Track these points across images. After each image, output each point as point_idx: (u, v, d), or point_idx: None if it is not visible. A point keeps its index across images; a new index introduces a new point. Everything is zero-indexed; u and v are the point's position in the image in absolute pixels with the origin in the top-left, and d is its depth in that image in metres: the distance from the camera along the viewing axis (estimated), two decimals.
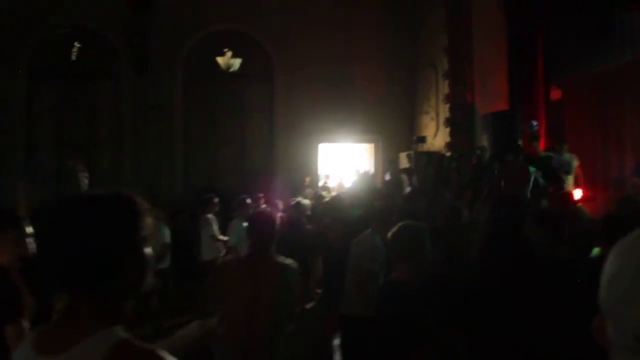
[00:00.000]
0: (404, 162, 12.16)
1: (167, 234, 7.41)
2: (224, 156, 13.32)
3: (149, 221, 1.33)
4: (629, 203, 5.07)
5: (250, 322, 3.13)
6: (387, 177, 11.60)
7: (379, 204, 5.53)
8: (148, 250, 1.32)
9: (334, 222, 6.00)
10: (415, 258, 3.08)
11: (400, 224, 3.18)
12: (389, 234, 3.20)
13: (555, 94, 11.23)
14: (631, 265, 0.73)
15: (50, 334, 1.30)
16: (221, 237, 7.82)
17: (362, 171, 12.58)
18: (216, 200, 8.36)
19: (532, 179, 7.91)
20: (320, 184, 12.41)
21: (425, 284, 3.03)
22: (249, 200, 7.73)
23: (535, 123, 9.33)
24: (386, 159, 13.08)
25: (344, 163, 13.94)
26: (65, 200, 1.34)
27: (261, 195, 10.20)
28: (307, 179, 12.28)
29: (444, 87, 12.03)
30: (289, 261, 3.36)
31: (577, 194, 8.86)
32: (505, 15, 11.32)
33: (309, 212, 8.18)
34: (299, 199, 8.80)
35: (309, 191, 11.49)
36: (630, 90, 10.53)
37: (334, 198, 7.67)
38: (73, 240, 1.25)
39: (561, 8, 10.18)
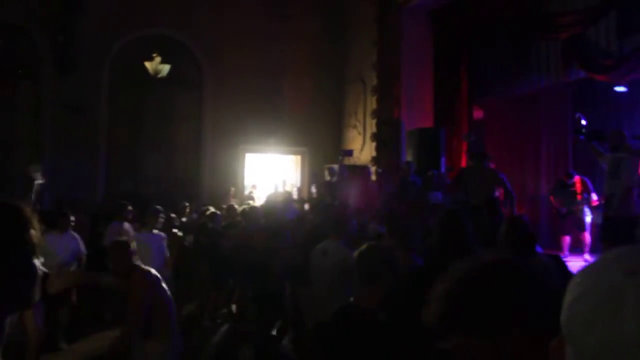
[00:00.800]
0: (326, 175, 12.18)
1: (80, 242, 7.02)
2: (150, 163, 12.93)
3: (34, 232, 1.24)
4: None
5: None
6: (313, 189, 11.58)
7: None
8: (34, 261, 1.23)
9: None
10: (380, 282, 2.83)
11: (367, 244, 3.01)
12: (355, 254, 2.96)
13: (478, 114, 11.68)
14: (600, 291, 0.69)
15: None
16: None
17: (282, 184, 12.59)
18: (130, 208, 8.03)
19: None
20: (246, 193, 12.27)
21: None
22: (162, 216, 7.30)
23: (472, 134, 9.61)
24: (312, 172, 13.10)
25: (270, 174, 13.85)
26: None
27: (187, 204, 9.94)
28: (232, 189, 12.10)
29: (372, 102, 12.23)
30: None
31: None
32: (432, 36, 11.70)
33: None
34: (212, 209, 8.57)
35: (233, 201, 11.31)
36: (545, 114, 11.12)
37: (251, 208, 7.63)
38: None
39: (484, 33, 10.63)
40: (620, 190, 6.16)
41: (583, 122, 6.66)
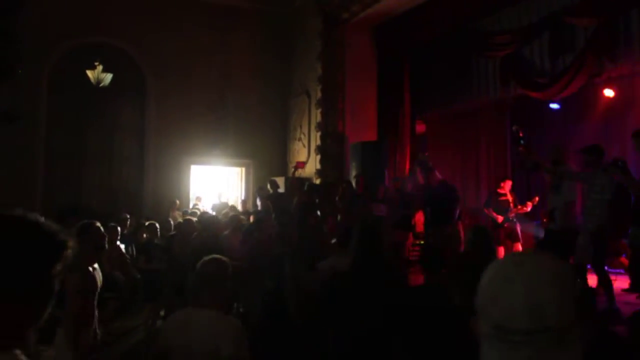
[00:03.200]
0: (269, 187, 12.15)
1: None
2: (91, 173, 12.55)
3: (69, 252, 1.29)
4: (478, 232, 5.40)
5: None
6: (258, 202, 11.53)
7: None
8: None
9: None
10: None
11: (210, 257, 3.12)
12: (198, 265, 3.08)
13: (420, 128, 11.94)
14: (500, 277, 1.02)
15: None
16: None
17: (218, 196, 12.51)
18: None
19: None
20: (191, 205, 12.10)
21: None
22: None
23: (427, 155, 9.81)
24: (257, 184, 13.04)
25: (215, 186, 13.74)
26: None
27: (128, 216, 9.75)
28: (177, 202, 11.91)
29: (317, 115, 12.31)
30: None
31: None
32: (376, 51, 11.92)
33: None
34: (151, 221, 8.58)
35: (177, 213, 11.15)
36: (485, 128, 11.47)
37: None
38: None
39: (426, 49, 10.92)
40: (561, 204, 6.38)
41: (520, 134, 6.89)
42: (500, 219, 9.02)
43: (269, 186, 10.87)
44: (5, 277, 1.20)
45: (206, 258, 3.02)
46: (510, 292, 0.98)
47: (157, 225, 8.48)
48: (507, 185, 9.26)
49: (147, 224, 8.58)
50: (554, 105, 9.83)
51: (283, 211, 9.20)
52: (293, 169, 11.53)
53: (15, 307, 1.22)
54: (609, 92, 9.18)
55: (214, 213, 9.56)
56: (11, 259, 1.21)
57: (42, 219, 1.30)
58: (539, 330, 0.95)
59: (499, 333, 0.97)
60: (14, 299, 1.21)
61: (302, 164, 12.05)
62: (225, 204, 10.99)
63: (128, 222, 9.57)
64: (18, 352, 1.20)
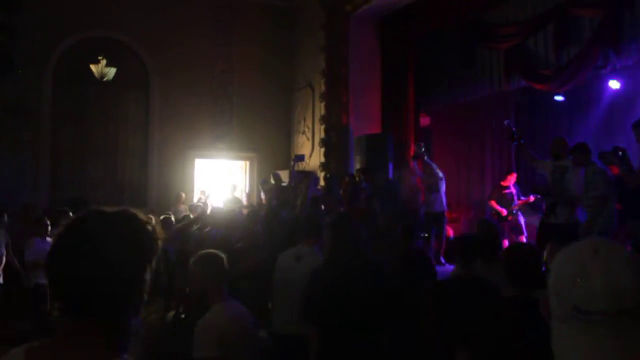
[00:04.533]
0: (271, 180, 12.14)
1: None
2: (95, 167, 12.59)
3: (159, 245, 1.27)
4: (485, 226, 5.41)
5: None
6: (263, 196, 11.53)
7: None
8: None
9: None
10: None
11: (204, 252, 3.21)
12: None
13: (425, 121, 11.90)
14: (577, 262, 1.09)
15: (48, 353, 1.16)
16: None
17: (232, 189, 12.53)
18: (70, 214, 7.83)
19: None
20: (195, 199, 12.13)
21: None
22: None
23: (422, 145, 9.77)
24: (261, 177, 13.05)
25: (220, 179, 13.75)
26: (89, 217, 1.23)
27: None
28: (182, 195, 11.94)
29: (321, 108, 12.30)
30: None
31: None
32: (380, 43, 11.87)
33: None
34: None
35: (182, 207, 11.18)
36: (489, 121, 11.44)
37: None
38: (100, 261, 1.16)
39: (430, 42, 10.86)
40: (563, 198, 6.33)
41: (513, 128, 7.13)
42: (504, 212, 9.02)
43: (271, 179, 10.87)
44: (110, 280, 1.16)
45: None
46: (589, 277, 1.05)
47: (173, 219, 8.60)
48: (512, 179, 9.25)
49: (162, 217, 8.68)
50: (559, 98, 9.79)
51: (286, 204, 9.23)
52: (292, 162, 11.51)
53: (119, 309, 1.19)
54: (614, 84, 9.14)
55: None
56: (114, 260, 1.18)
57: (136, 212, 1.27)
58: (617, 311, 1.03)
59: (578, 314, 1.05)
60: (118, 303, 1.19)
61: (301, 157, 12.01)
62: (239, 200, 10.98)
63: None
64: (126, 357, 1.17)
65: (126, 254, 1.18)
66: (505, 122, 7.53)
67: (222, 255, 3.12)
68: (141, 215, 1.26)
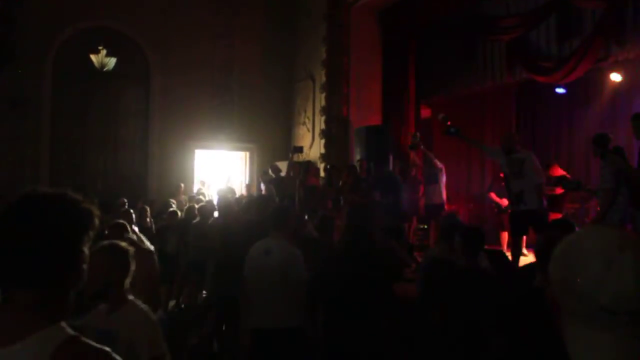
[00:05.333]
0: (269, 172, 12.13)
1: None
2: (96, 158, 12.57)
3: (96, 221, 1.38)
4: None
5: None
6: (262, 186, 11.53)
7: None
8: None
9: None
10: None
11: None
12: None
13: (425, 112, 11.87)
14: (602, 262, 1.01)
15: None
16: None
17: (227, 180, 12.53)
18: None
19: None
20: (195, 190, 12.13)
21: None
22: None
23: (418, 134, 9.76)
24: (261, 169, 13.04)
25: (220, 170, 13.75)
26: (24, 196, 1.34)
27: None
28: (182, 186, 11.93)
29: (321, 100, 12.26)
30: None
31: None
32: (381, 35, 11.82)
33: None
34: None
35: (183, 197, 11.18)
36: (490, 112, 11.41)
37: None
38: (32, 236, 1.25)
39: (432, 33, 10.81)
40: (529, 186, 6.46)
41: (448, 122, 7.69)
42: (504, 203, 9.01)
43: (270, 171, 10.87)
44: (41, 253, 1.25)
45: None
46: (620, 276, 1.00)
47: (179, 212, 8.68)
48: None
49: (170, 210, 8.89)
50: (560, 90, 9.76)
51: (284, 195, 9.24)
52: (291, 154, 11.47)
53: (54, 281, 1.27)
54: (615, 77, 9.11)
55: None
56: (44, 235, 1.27)
57: (67, 192, 1.37)
58: None
59: (604, 315, 1.00)
60: (52, 274, 1.27)
61: (299, 149, 11.97)
62: (232, 190, 10.99)
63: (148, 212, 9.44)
64: (63, 324, 1.24)
65: (56, 229, 1.28)
66: (440, 116, 8.08)
67: (129, 248, 2.87)
68: (74, 195, 1.37)
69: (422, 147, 9.46)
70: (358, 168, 9.61)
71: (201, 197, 10.50)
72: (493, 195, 9.45)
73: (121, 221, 5.09)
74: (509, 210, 8.83)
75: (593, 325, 1.02)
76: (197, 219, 7.67)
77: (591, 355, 1.03)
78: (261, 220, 5.13)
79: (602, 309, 1.00)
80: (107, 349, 1.23)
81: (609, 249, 1.03)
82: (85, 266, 1.33)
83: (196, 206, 8.20)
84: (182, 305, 8.14)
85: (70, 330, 1.23)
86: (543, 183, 6.67)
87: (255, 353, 4.23)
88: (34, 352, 1.17)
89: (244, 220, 5.95)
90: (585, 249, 1.06)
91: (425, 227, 9.93)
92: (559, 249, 1.11)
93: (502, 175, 8.91)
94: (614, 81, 9.23)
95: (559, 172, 9.03)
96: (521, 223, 6.59)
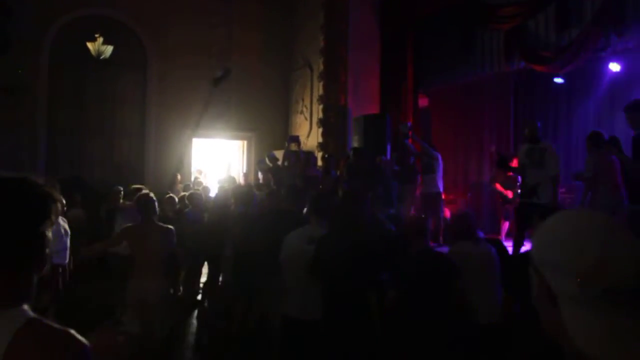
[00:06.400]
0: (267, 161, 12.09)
1: None
2: (92, 146, 12.52)
3: (57, 206, 1.38)
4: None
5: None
6: (260, 175, 11.52)
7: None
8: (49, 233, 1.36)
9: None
10: None
11: None
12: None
13: (423, 102, 11.84)
14: (602, 242, 1.01)
15: None
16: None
17: (227, 168, 12.50)
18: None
19: None
20: (193, 178, 12.10)
21: None
22: None
23: (409, 124, 9.74)
24: (259, 157, 13.01)
25: (217, 159, 13.72)
26: None
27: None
28: (178, 176, 11.89)
29: (319, 88, 12.22)
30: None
31: None
32: (379, 23, 11.76)
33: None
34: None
35: (180, 187, 11.15)
36: (488, 102, 11.39)
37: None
38: None
39: (430, 22, 10.76)
40: (544, 179, 6.43)
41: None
42: (510, 194, 9.03)
43: (267, 160, 10.84)
44: (1, 237, 1.26)
45: None
46: (619, 257, 1.00)
47: (176, 199, 8.59)
48: (515, 162, 9.21)
49: (167, 196, 8.67)
50: (559, 80, 9.74)
51: (282, 184, 9.20)
52: (287, 143, 11.43)
53: (15, 264, 1.28)
54: (614, 66, 9.08)
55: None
56: (3, 219, 1.27)
57: (27, 177, 1.37)
58: None
59: (606, 296, 0.99)
60: (12, 258, 1.27)
61: (296, 138, 11.92)
62: (232, 178, 10.96)
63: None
64: (25, 307, 1.25)
65: (16, 214, 1.28)
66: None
67: None
68: (34, 179, 1.37)
69: (412, 135, 9.44)
70: (351, 157, 9.58)
71: (197, 185, 10.48)
72: (498, 186, 9.44)
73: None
74: (517, 200, 8.80)
75: (594, 308, 1.01)
76: (189, 207, 7.63)
77: (593, 337, 1.01)
78: (292, 210, 5.12)
79: (604, 291, 0.99)
80: (70, 330, 1.23)
81: (600, 231, 1.04)
82: (47, 250, 1.34)
83: (185, 194, 8.13)
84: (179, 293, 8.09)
85: (31, 313, 1.24)
86: (559, 175, 6.62)
87: (286, 342, 4.20)
88: None
89: (270, 209, 5.87)
90: (579, 232, 1.05)
91: (423, 216, 9.92)
92: (546, 234, 1.10)
93: (512, 164, 8.61)
94: (612, 71, 9.20)
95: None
96: (528, 216, 6.39)
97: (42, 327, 1.21)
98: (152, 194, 5.11)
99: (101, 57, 11.38)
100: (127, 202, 7.75)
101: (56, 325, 1.22)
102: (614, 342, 1.00)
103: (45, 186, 1.37)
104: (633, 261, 1.00)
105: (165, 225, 5.04)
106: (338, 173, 9.78)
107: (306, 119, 12.94)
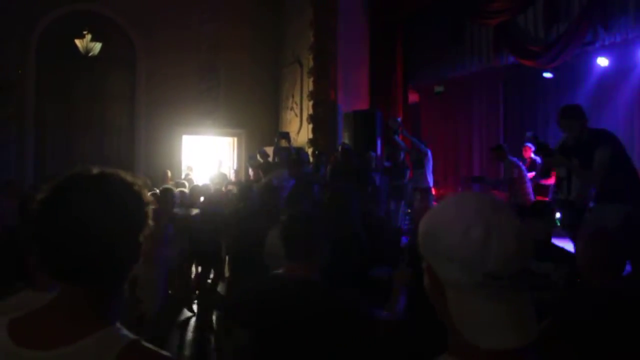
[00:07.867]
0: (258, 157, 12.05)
1: None
2: (81, 143, 12.43)
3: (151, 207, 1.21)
4: None
5: None
6: (251, 172, 11.48)
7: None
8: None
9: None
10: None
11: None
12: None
13: (413, 97, 11.85)
14: (484, 225, 0.96)
15: (33, 324, 1.11)
16: None
17: (218, 165, 12.46)
18: None
19: None
20: (183, 176, 12.05)
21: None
22: None
23: (399, 119, 9.74)
24: (249, 154, 12.96)
25: (207, 156, 13.68)
26: (76, 180, 1.17)
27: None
28: (168, 173, 11.84)
29: (309, 84, 12.19)
30: None
31: None
32: (369, 18, 11.75)
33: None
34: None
35: (170, 183, 11.09)
36: (477, 97, 11.41)
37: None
38: (91, 228, 1.09)
39: (419, 17, 10.76)
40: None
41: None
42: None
43: (258, 156, 10.82)
44: (108, 245, 1.11)
45: None
46: (503, 238, 0.95)
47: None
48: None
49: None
50: (547, 75, 9.77)
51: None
52: (276, 140, 11.38)
53: (112, 276, 1.15)
54: (602, 61, 9.13)
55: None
56: (115, 223, 1.12)
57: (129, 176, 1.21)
58: (522, 272, 0.96)
59: (489, 281, 0.94)
60: (114, 269, 1.14)
61: (285, 134, 11.86)
62: (224, 175, 10.92)
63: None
64: (119, 325, 1.14)
65: (110, 220, 1.11)
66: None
67: None
68: (128, 178, 1.21)
69: (402, 131, 9.44)
70: (338, 156, 9.55)
71: (186, 182, 10.44)
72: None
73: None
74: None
75: (478, 293, 0.96)
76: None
77: (479, 324, 0.97)
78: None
79: (486, 275, 0.94)
80: (168, 355, 1.11)
81: (485, 213, 0.98)
82: (138, 260, 1.19)
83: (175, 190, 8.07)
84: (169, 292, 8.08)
85: (128, 332, 1.12)
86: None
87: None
88: (91, 354, 1.06)
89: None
90: (460, 216, 0.99)
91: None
92: (429, 221, 1.04)
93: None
94: (600, 66, 9.24)
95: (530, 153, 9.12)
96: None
97: (145, 350, 1.10)
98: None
99: (89, 54, 11.30)
100: None
101: (157, 349, 1.12)
102: (492, 328, 0.96)
103: (138, 184, 1.21)
104: (515, 241, 0.95)
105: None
106: (328, 169, 9.76)
107: (296, 115, 12.92)
